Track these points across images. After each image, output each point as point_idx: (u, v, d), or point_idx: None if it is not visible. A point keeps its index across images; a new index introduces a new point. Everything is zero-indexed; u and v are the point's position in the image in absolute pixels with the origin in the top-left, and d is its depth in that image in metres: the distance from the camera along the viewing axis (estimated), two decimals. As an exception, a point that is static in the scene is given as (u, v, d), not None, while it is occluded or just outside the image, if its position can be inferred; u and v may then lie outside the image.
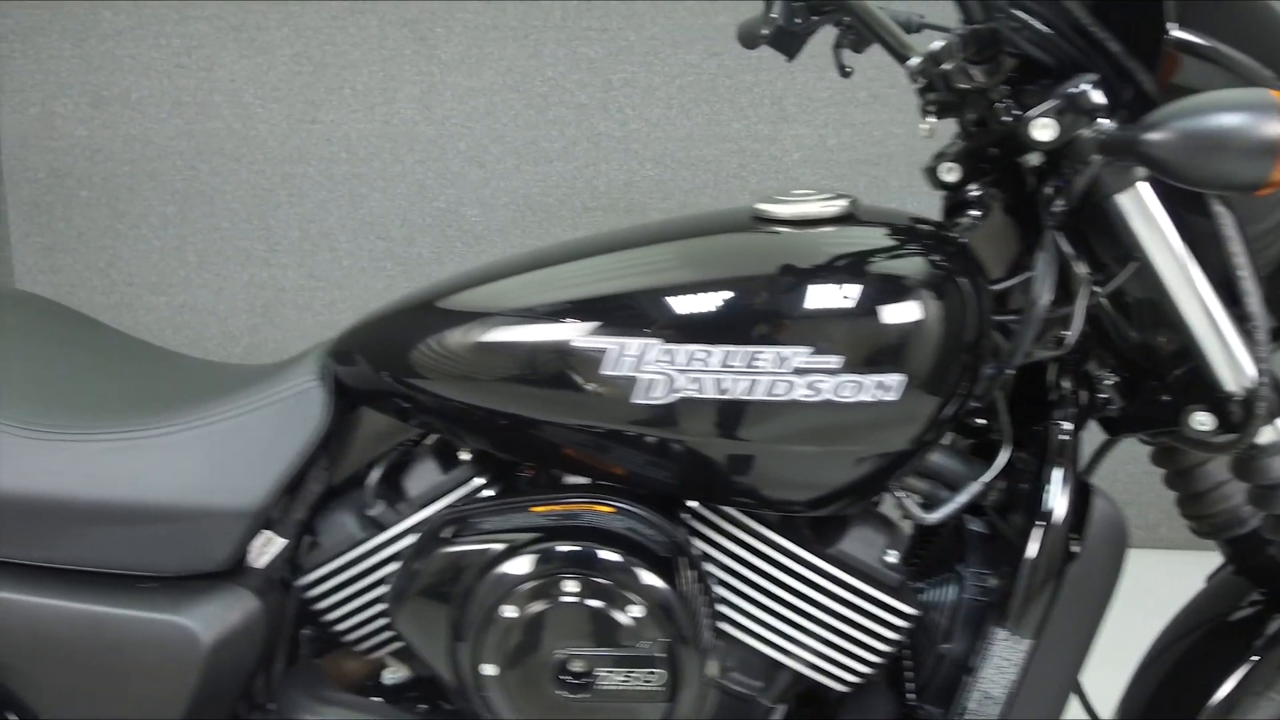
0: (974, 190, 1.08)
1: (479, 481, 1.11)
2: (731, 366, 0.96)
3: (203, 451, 1.07)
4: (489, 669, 1.02)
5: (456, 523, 1.06)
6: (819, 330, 0.97)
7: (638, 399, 0.98)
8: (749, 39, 1.41)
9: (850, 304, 0.97)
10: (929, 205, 2.76)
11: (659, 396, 0.98)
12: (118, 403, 1.14)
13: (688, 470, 1.02)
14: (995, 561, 1.09)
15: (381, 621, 1.13)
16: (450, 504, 1.11)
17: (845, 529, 1.06)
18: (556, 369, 1.01)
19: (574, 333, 1.00)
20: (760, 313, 0.98)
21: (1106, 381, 1.06)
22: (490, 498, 1.10)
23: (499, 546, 1.02)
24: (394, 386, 1.08)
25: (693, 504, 1.07)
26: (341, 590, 1.13)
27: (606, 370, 0.98)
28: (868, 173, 2.78)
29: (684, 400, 0.98)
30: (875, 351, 0.96)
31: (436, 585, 1.04)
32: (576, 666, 1.01)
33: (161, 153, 2.90)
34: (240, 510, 1.07)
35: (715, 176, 2.81)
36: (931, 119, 1.07)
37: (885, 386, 0.96)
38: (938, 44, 1.01)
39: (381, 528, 1.12)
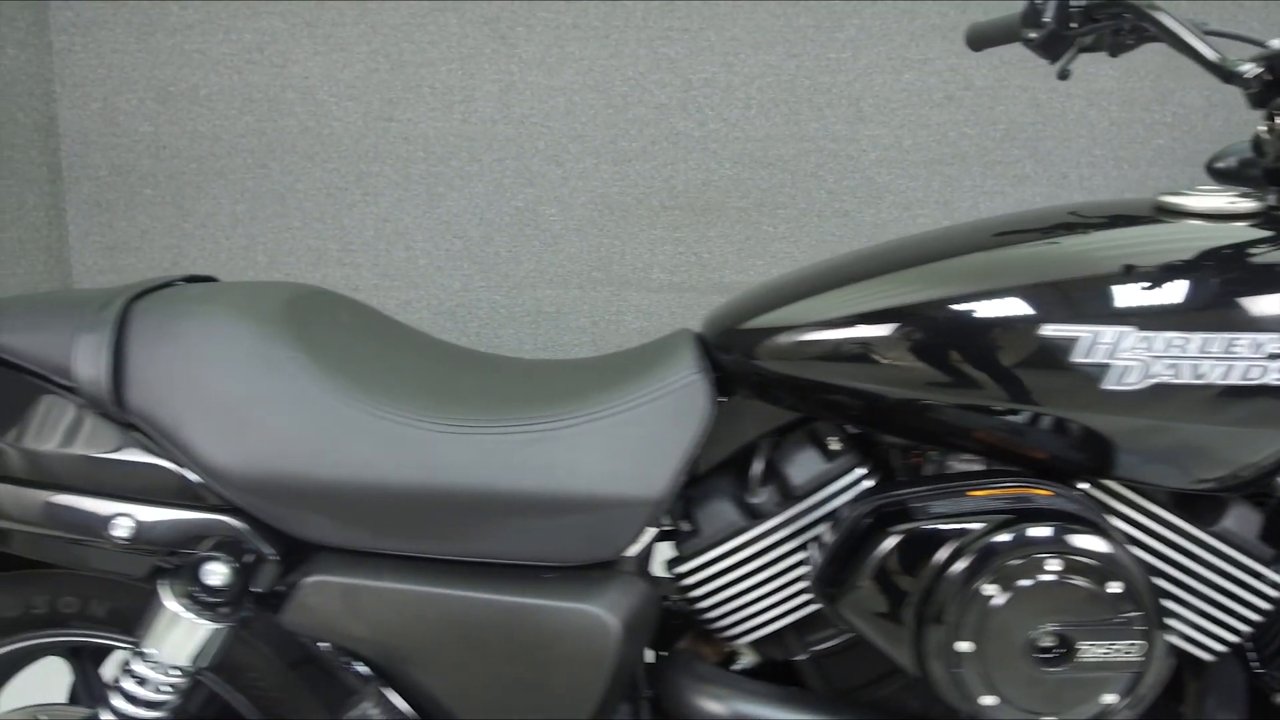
0: None
1: (861, 471, 1.14)
2: (1209, 352, 1.00)
3: (607, 442, 1.08)
4: (965, 646, 1.05)
5: (884, 510, 1.08)
6: None
7: (1109, 385, 1.02)
8: (981, 40, 1.43)
9: None
10: (1001, 205, 2.86)
11: (1132, 383, 1.01)
12: (498, 397, 1.14)
13: (1113, 450, 1.06)
14: None
15: (756, 607, 1.15)
16: (832, 493, 1.13)
17: (1225, 507, 1.12)
18: (1012, 357, 1.03)
19: (1036, 321, 1.03)
20: (1235, 300, 1.03)
21: None
22: (871, 488, 1.13)
23: (973, 529, 1.04)
24: (792, 377, 1.09)
25: (1082, 484, 1.11)
26: (720, 578, 1.15)
27: (1077, 358, 1.02)
28: (942, 172, 2.85)
29: (1157, 386, 1.01)
30: None
31: (894, 569, 1.06)
32: (1050, 640, 1.05)
33: (231, 150, 2.85)
34: (645, 499, 1.08)
35: (792, 176, 2.86)
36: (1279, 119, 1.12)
37: None
38: None
39: (763, 516, 1.14)
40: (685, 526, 1.17)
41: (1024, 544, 1.04)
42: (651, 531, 1.14)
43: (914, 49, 2.81)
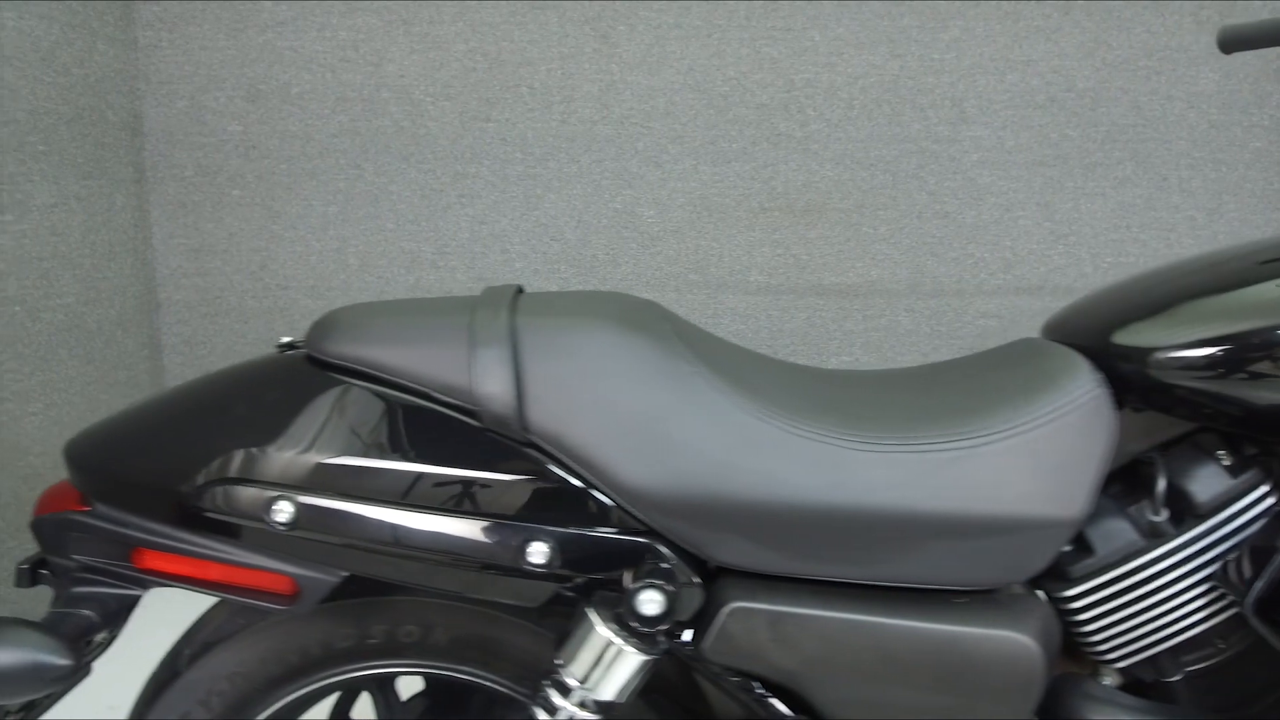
0: None
1: (1265, 488, 1.10)
2: None
3: (1027, 461, 1.02)
4: None
5: None
6: None
7: None
8: (1236, 43, 1.39)
9: None
10: (1101, 207, 2.84)
11: None
12: (898, 411, 1.08)
13: None
14: None
15: (1145, 629, 1.11)
16: (1236, 511, 1.09)
17: None
18: None
19: None
20: None
21: None
22: (1274, 504, 1.10)
23: None
24: (1212, 392, 1.05)
25: None
26: (1111, 600, 1.10)
27: None
28: (1043, 174, 2.84)
29: None
30: None
31: None
32: None
33: (323, 150, 2.77)
34: (1065, 520, 1.03)
35: (894, 177, 2.83)
36: None
37: None
38: None
39: (1164, 536, 1.10)
40: (1066, 546, 1.12)
41: None
42: None
43: (1017, 50, 2.79)
